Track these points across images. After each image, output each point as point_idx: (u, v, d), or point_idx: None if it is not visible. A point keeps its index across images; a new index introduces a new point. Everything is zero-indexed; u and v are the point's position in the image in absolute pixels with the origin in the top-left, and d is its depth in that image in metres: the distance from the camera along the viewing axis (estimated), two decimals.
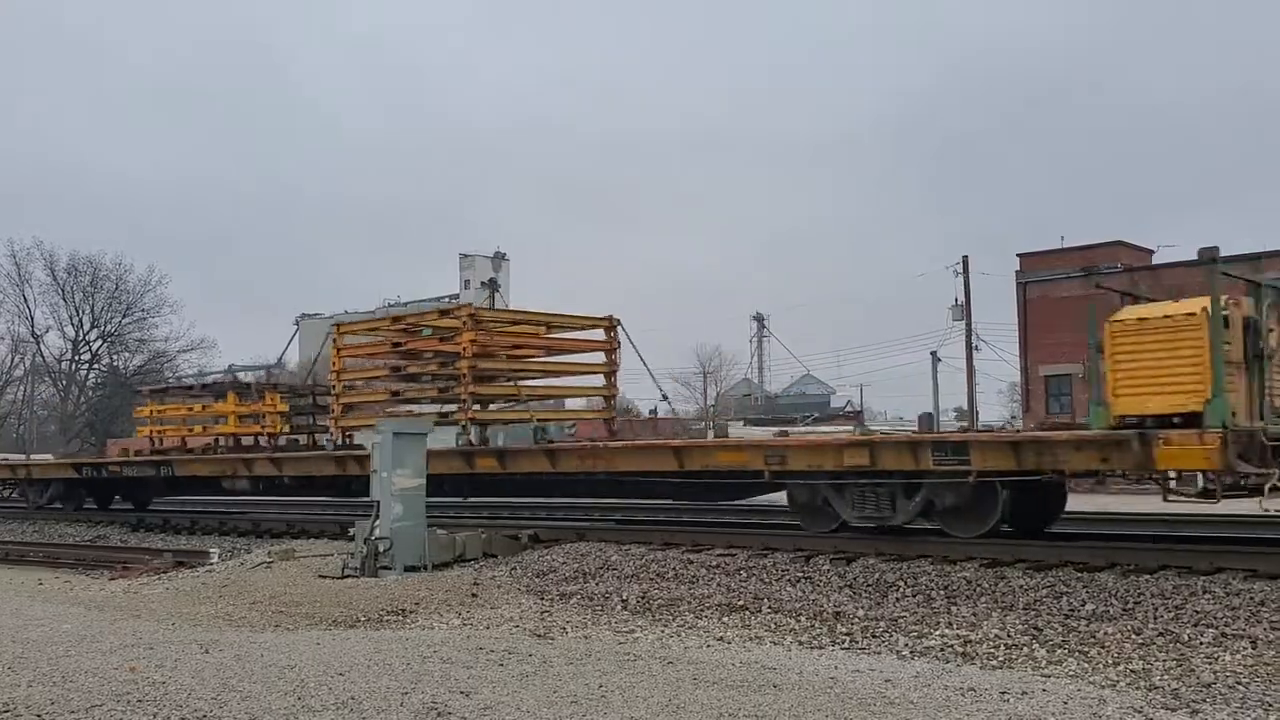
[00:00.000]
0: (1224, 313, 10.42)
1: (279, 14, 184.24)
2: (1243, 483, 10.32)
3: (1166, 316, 10.72)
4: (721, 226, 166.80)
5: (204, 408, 22.95)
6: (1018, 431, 12.01)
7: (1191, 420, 10.18)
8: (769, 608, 10.09)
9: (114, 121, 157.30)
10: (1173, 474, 11.26)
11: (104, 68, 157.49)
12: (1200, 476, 11.25)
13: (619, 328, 18.26)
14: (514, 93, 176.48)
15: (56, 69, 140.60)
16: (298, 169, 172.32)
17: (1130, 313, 11.23)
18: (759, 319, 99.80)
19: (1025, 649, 8.11)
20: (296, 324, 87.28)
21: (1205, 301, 10.44)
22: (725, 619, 9.83)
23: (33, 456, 39.06)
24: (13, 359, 68.67)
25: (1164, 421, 10.39)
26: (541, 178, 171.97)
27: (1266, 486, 10.06)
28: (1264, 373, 10.84)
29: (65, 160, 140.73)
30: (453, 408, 17.15)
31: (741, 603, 10.34)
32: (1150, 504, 20.97)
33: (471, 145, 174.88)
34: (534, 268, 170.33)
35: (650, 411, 75.40)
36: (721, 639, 8.95)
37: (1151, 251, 43.56)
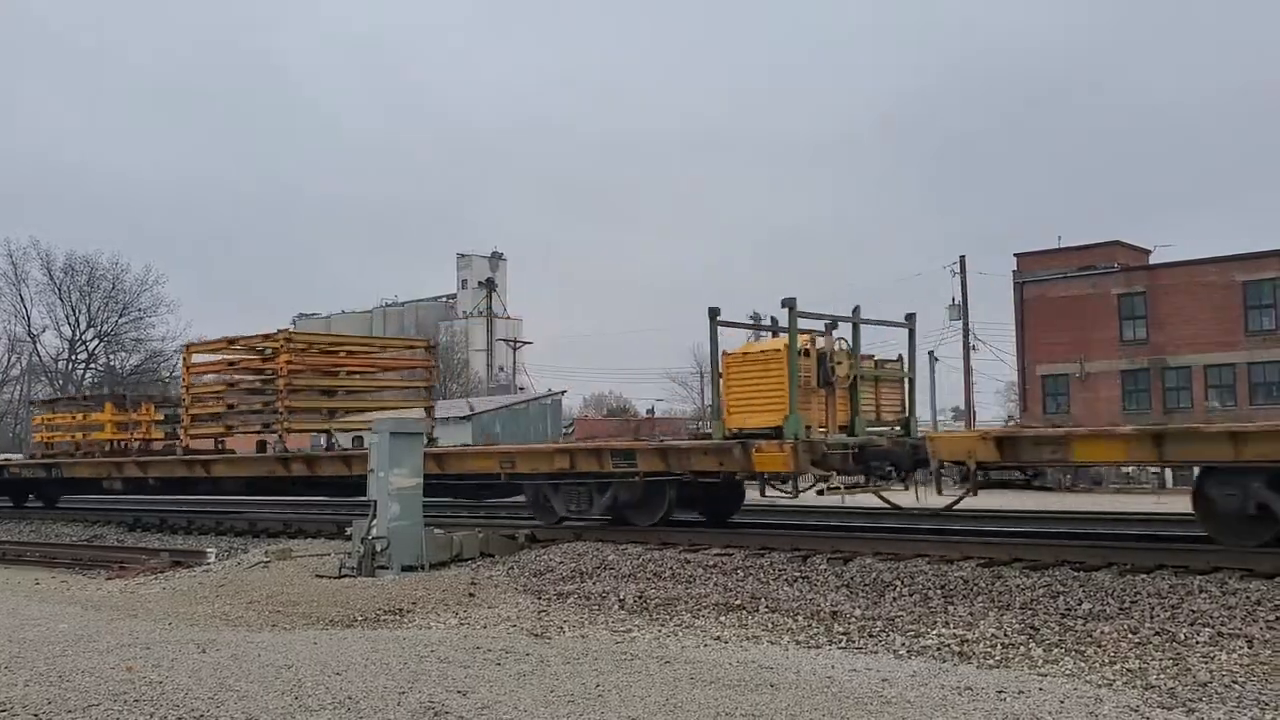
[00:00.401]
0: (806, 348, 13.06)
1: (279, 14, 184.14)
2: (825, 484, 12.75)
3: (762, 352, 13.34)
4: (721, 226, 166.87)
5: (85, 416, 24.20)
6: (663, 442, 14.85)
7: (777, 433, 12.65)
8: (766, 607, 10.09)
9: (114, 121, 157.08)
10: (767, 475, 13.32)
11: (104, 68, 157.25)
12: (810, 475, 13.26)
13: (435, 348, 21.15)
14: (514, 93, 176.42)
15: (56, 69, 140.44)
16: (298, 169, 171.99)
17: (741, 348, 13.82)
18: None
19: (1022, 648, 8.12)
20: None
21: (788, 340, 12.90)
22: (722, 618, 9.83)
23: None
24: (9, 358, 68.68)
25: (774, 433, 12.70)
26: (541, 178, 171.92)
27: (827, 486, 12.65)
28: (855, 395, 13.70)
29: (65, 160, 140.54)
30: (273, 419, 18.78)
31: (739, 602, 10.34)
32: (1146, 503, 20.99)
33: (471, 145, 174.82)
34: (533, 268, 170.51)
35: (648, 412, 75.52)
36: (719, 638, 8.96)
37: (1148, 251, 43.51)
